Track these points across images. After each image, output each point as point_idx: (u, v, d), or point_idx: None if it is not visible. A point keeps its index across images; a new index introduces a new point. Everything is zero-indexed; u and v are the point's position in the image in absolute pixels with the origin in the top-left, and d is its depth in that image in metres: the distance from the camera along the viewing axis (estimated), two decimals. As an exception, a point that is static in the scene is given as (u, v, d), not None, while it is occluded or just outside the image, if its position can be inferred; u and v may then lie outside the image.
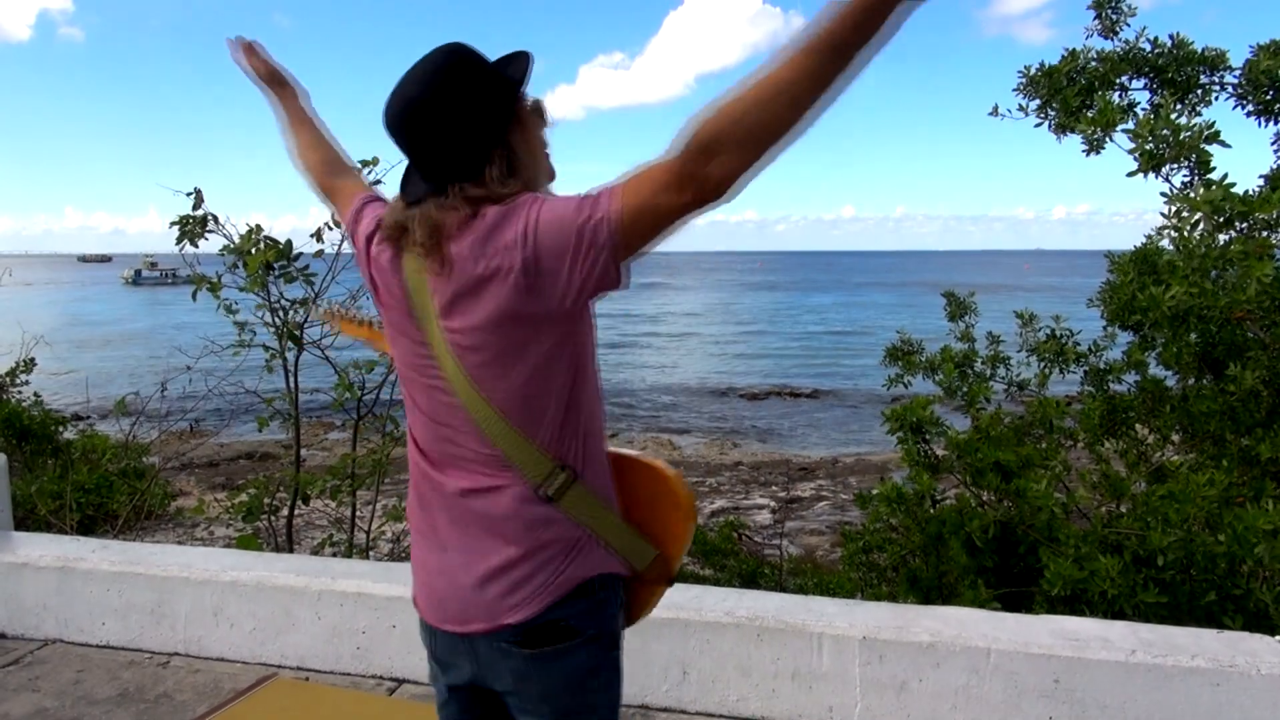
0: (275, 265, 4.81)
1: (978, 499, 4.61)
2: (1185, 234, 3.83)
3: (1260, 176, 4.76)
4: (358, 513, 5.69)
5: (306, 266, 4.94)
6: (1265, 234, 3.86)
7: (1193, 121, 4.00)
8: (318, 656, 3.59)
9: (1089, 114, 4.42)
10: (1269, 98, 4.76)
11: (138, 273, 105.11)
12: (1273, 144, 4.89)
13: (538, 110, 1.56)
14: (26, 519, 6.16)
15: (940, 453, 4.74)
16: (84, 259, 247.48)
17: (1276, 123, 4.83)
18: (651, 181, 1.33)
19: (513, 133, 1.51)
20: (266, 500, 5.33)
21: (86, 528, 7.17)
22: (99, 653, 3.76)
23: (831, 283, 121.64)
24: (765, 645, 3.12)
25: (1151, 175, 4.06)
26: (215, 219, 5.09)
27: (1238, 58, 4.84)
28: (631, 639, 3.22)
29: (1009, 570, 4.36)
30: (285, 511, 5.54)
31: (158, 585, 3.77)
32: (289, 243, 4.87)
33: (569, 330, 1.46)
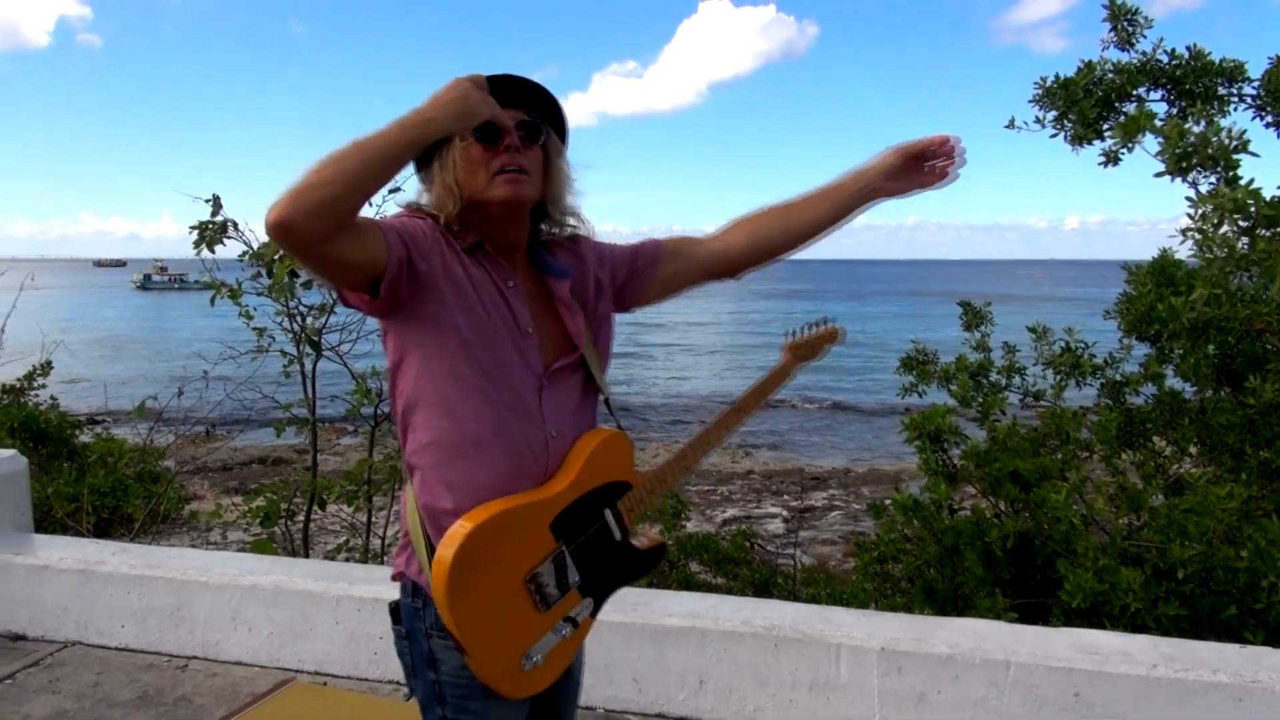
0: (301, 272, 4.84)
1: (995, 509, 4.59)
2: (1210, 234, 3.80)
3: (1279, 187, 4.74)
4: (373, 519, 5.71)
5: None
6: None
7: (1222, 127, 3.98)
8: (335, 661, 3.60)
9: (1117, 122, 4.39)
10: (1287, 108, 4.74)
11: (146, 277, 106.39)
12: (1293, 155, 4.87)
13: (481, 132, 1.62)
14: (43, 521, 6.20)
15: (958, 462, 4.73)
16: (99, 264, 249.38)
17: (1295, 133, 4.80)
18: None
19: (435, 156, 1.68)
20: (283, 505, 5.35)
21: (102, 530, 7.21)
22: (118, 655, 3.78)
23: (844, 292, 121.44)
24: (783, 655, 3.12)
25: (1177, 180, 4.04)
26: (235, 225, 5.12)
27: (1255, 68, 4.83)
28: (648, 648, 3.24)
29: (1025, 582, 4.34)
30: (301, 517, 5.56)
31: (177, 589, 3.79)
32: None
33: (388, 332, 1.66)
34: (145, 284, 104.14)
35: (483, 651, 1.57)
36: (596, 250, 1.90)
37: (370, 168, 1.40)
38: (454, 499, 1.60)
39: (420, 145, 1.47)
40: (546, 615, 1.64)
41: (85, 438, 8.85)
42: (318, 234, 1.38)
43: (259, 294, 5.15)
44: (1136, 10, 4.95)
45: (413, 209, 1.71)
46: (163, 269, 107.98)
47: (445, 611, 1.53)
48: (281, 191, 1.36)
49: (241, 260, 5.23)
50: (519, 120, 1.67)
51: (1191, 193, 4.05)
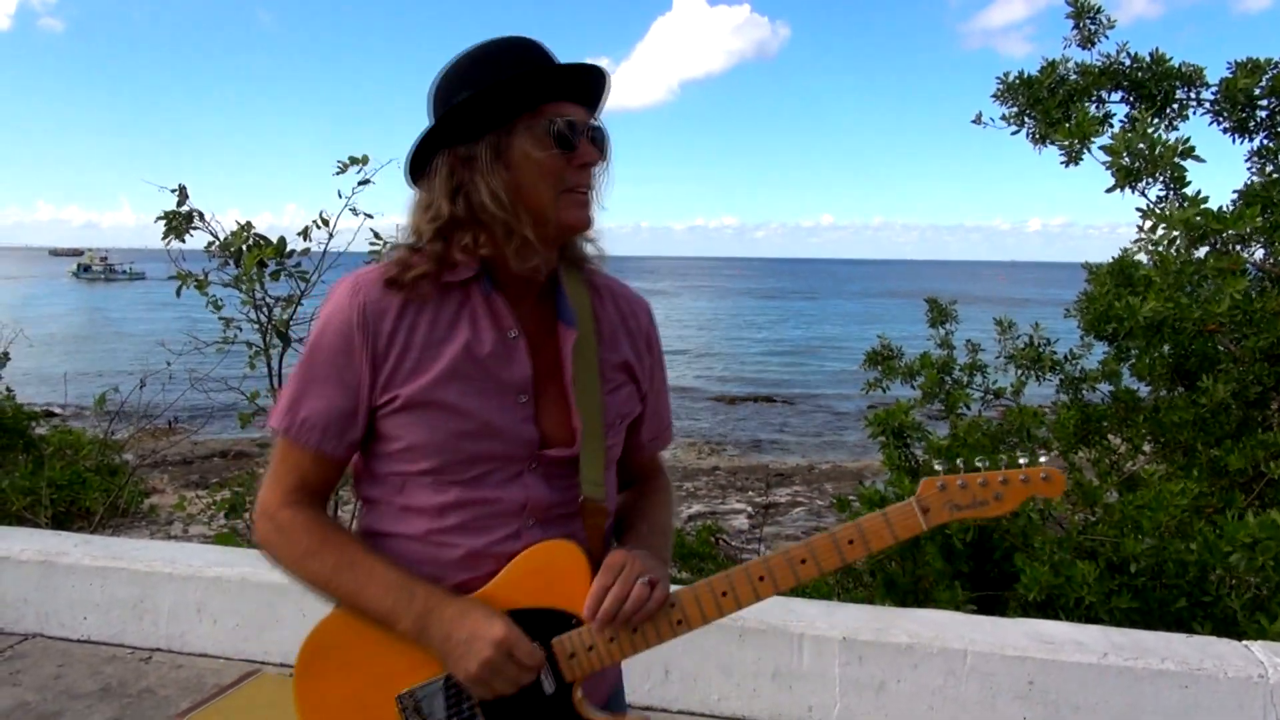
0: (269, 262, 4.81)
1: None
2: (1162, 250, 3.92)
3: (1234, 192, 4.87)
4: (338, 512, 5.68)
5: (299, 264, 4.94)
6: (1238, 249, 3.96)
7: (1167, 136, 4.10)
8: (301, 653, 3.59)
9: (1067, 125, 4.50)
10: (1244, 115, 4.88)
11: (83, 268, 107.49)
12: (1246, 160, 5.01)
13: (560, 136, 1.35)
14: (-1, 514, 6.11)
15: (921, 457, 4.81)
16: (55, 253, 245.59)
17: (1251, 139, 4.94)
18: None
19: (456, 152, 1.42)
20: (249, 498, 5.31)
21: (59, 524, 7.10)
22: (80, 647, 3.75)
23: (810, 290, 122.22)
24: (747, 645, 3.17)
25: (1128, 190, 4.15)
26: (201, 215, 5.07)
27: (1215, 74, 4.96)
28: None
29: (983, 575, 4.43)
30: (266, 509, 5.51)
31: (140, 580, 3.76)
32: (283, 239, 4.87)
33: None
34: (80, 274, 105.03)
35: None
36: (648, 336, 1.58)
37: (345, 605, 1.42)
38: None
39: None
40: None
41: (42, 430, 8.70)
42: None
43: (225, 284, 5.10)
44: (1099, 9, 5.05)
45: (381, 256, 1.40)
46: (104, 259, 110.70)
47: (294, 689, 1.42)
48: (268, 530, 1.44)
49: (207, 251, 5.18)
50: (594, 128, 1.34)
51: (1142, 202, 4.17)
